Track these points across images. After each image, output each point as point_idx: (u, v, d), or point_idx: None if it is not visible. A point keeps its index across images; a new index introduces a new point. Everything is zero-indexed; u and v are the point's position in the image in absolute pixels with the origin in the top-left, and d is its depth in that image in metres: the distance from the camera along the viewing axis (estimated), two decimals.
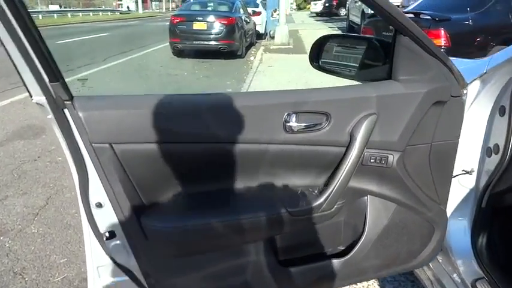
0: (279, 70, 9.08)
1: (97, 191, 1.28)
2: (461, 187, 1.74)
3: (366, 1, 1.38)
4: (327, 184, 1.49)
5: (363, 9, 12.45)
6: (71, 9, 42.82)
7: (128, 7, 58.94)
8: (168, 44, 11.45)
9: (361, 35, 6.50)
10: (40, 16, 30.14)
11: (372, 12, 6.69)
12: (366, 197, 1.60)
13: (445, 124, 1.53)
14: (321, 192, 1.47)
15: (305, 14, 37.57)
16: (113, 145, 1.23)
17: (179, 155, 1.32)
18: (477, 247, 1.72)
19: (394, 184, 1.55)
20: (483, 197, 1.70)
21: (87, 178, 1.26)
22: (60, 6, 44.09)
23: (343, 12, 26.12)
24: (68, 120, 1.20)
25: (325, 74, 1.88)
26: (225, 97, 1.33)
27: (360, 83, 1.65)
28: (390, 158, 1.49)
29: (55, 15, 33.87)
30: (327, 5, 30.68)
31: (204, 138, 1.31)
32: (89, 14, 39.36)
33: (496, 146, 1.61)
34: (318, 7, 32.24)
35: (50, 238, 2.82)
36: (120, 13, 48.31)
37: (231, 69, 9.79)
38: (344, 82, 1.66)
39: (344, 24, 18.31)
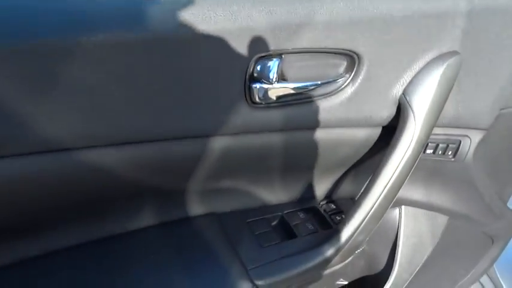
0: None
1: None
2: None
3: None
4: (339, 208, 0.78)
5: None
6: None
7: None
8: None
9: None
10: None
11: None
12: (397, 210, 0.85)
13: None
14: (332, 224, 0.76)
15: None
16: None
17: None
18: None
19: (454, 187, 0.81)
20: None
21: None
22: None
23: None
24: None
25: None
26: None
27: None
28: (464, 143, 0.72)
29: None
30: None
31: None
32: None
33: None
34: None
35: None
36: None
37: None
38: None
39: None
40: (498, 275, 1.30)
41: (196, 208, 0.72)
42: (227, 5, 0.47)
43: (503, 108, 0.73)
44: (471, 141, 0.72)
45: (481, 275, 1.17)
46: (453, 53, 0.59)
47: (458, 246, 0.99)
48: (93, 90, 0.46)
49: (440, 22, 0.57)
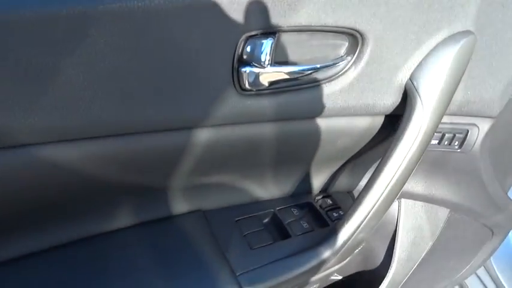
0: None
1: None
2: None
3: None
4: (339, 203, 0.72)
5: None
6: None
7: None
8: None
9: None
10: None
11: None
12: (396, 203, 0.79)
13: None
14: (328, 222, 0.70)
15: None
16: None
17: None
18: None
19: (458, 179, 0.75)
20: None
21: None
22: None
23: None
24: None
25: None
26: None
27: None
28: (472, 132, 0.66)
29: None
30: None
31: None
32: None
33: None
34: None
35: None
36: None
37: None
38: None
39: None
40: (495, 266, 1.27)
41: (180, 206, 0.65)
42: None
43: (510, 94, 0.67)
44: (479, 130, 0.67)
45: (479, 267, 1.14)
46: (466, 33, 0.53)
47: (458, 239, 0.94)
48: (53, 73, 0.38)
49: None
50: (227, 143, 0.54)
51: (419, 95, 0.54)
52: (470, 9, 0.52)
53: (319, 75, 0.50)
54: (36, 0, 0.35)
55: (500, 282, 1.25)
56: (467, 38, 0.52)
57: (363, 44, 0.50)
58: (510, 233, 1.24)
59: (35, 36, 0.36)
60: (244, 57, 0.45)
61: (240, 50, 0.45)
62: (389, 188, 0.59)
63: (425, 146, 0.57)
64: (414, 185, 0.77)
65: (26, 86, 0.38)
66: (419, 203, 0.82)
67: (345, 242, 0.64)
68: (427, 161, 0.71)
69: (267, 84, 0.48)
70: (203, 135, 0.51)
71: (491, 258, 1.22)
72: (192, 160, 0.54)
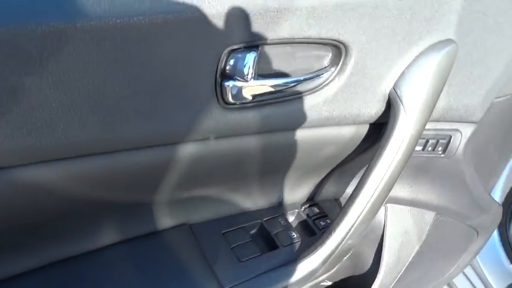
0: None
1: None
2: None
3: None
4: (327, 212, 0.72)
5: None
6: None
7: None
8: None
9: None
10: None
11: None
12: (383, 208, 0.80)
13: None
14: (316, 231, 0.70)
15: None
16: None
17: None
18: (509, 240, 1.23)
19: (442, 183, 0.76)
20: None
21: None
22: None
23: None
24: None
25: None
26: None
27: None
28: (455, 138, 0.67)
29: None
30: None
31: None
32: None
33: None
34: None
35: None
36: None
37: None
38: None
39: None
40: (481, 265, 1.29)
41: (166, 220, 0.64)
42: None
43: (496, 98, 0.68)
44: (462, 135, 0.67)
45: (466, 266, 1.16)
46: (448, 42, 0.53)
47: (444, 241, 0.95)
48: (29, 93, 0.37)
49: (435, 7, 0.51)
50: (212, 156, 0.53)
51: (402, 104, 0.54)
52: (451, 18, 0.52)
53: (303, 87, 0.50)
54: (10, 17, 0.34)
55: (487, 279, 1.28)
56: (448, 46, 0.53)
57: (346, 55, 0.50)
58: (494, 232, 1.28)
59: (9, 55, 0.34)
60: (227, 71, 0.45)
61: (223, 64, 0.44)
62: (375, 194, 0.59)
63: (409, 153, 0.58)
64: (400, 190, 0.78)
65: (1, 107, 0.36)
66: (405, 208, 0.82)
67: (333, 251, 0.64)
68: (412, 166, 0.71)
69: (250, 98, 0.47)
70: (187, 150, 0.50)
71: (478, 257, 1.24)
72: (177, 175, 0.54)
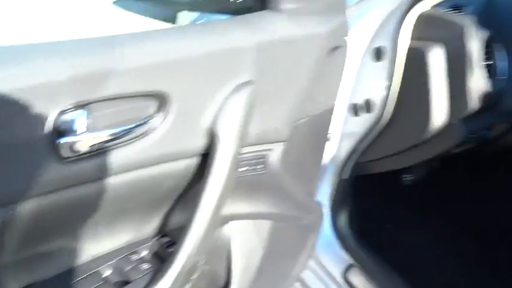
0: None
1: None
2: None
3: None
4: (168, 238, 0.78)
5: None
6: None
7: None
8: None
9: None
10: None
11: None
12: (226, 226, 0.91)
13: (325, 83, 0.94)
14: (166, 258, 0.73)
15: None
16: None
17: None
18: (338, 229, 1.36)
19: (270, 193, 0.92)
20: (344, 167, 1.29)
21: None
22: None
23: None
24: None
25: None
26: None
27: (212, 16, 0.85)
28: (271, 156, 0.82)
29: None
30: None
31: None
32: None
33: (367, 102, 1.15)
34: None
35: None
36: None
37: None
38: None
39: None
40: (320, 256, 1.49)
41: (11, 284, 0.62)
42: (21, 63, 0.43)
43: (295, 121, 0.86)
44: (275, 153, 0.83)
45: (307, 261, 1.34)
46: (249, 83, 0.67)
47: (284, 243, 1.11)
48: None
49: (235, 56, 0.65)
50: (55, 209, 0.56)
51: (218, 136, 0.66)
52: (249, 64, 0.67)
53: (133, 134, 0.57)
54: None
55: (326, 268, 1.47)
56: (249, 86, 0.67)
57: (169, 102, 0.59)
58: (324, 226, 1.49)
59: None
60: (61, 129, 0.49)
61: (57, 123, 0.49)
62: (209, 213, 0.69)
63: (232, 175, 0.70)
64: (238, 207, 0.90)
65: None
66: (247, 221, 0.95)
67: (182, 269, 0.70)
68: (243, 185, 0.84)
69: (86, 149, 0.52)
70: (28, 207, 0.52)
71: (316, 249, 1.45)
72: (20, 233, 0.54)
